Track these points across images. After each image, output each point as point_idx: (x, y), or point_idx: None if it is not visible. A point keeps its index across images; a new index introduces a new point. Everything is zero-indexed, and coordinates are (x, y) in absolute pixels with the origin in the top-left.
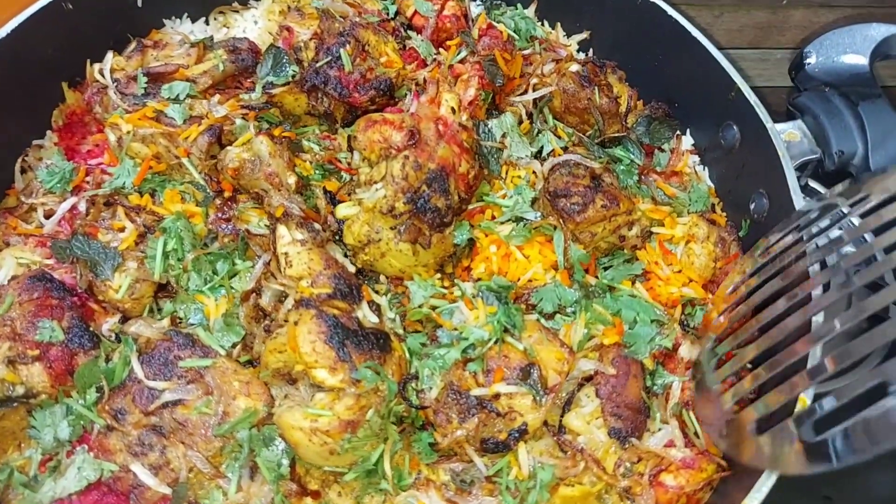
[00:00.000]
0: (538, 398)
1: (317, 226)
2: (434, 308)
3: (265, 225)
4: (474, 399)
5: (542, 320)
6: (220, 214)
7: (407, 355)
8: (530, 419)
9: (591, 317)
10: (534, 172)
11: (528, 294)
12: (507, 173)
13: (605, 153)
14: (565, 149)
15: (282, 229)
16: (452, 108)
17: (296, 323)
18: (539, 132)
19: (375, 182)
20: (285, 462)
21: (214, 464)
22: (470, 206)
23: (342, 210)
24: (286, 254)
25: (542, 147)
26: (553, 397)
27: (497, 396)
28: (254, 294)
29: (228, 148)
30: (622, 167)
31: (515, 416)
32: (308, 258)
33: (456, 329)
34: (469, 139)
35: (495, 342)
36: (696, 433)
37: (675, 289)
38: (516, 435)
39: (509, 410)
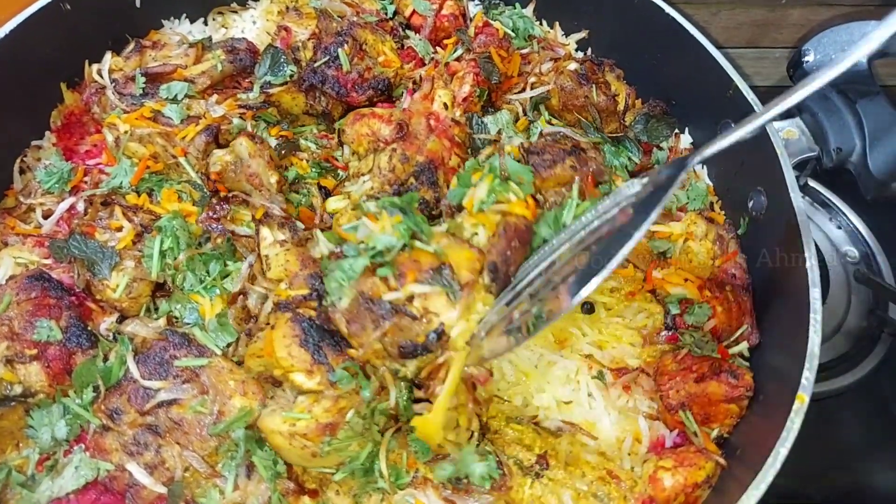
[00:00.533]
0: (452, 295)
1: (299, 225)
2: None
3: (254, 226)
4: (387, 304)
5: (450, 220)
6: (210, 214)
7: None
8: (446, 318)
9: (498, 185)
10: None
11: (444, 199)
12: None
13: (602, 136)
14: None
15: (264, 231)
16: (445, 104)
17: (272, 327)
18: (532, 122)
19: (363, 174)
20: (282, 460)
21: (210, 463)
22: None
23: (332, 203)
24: (267, 256)
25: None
26: (468, 295)
27: (411, 299)
28: (241, 296)
29: (215, 151)
30: (612, 149)
31: (431, 318)
32: (285, 259)
33: (362, 242)
34: (461, 134)
35: (403, 247)
36: (694, 432)
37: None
38: (434, 337)
39: (424, 312)
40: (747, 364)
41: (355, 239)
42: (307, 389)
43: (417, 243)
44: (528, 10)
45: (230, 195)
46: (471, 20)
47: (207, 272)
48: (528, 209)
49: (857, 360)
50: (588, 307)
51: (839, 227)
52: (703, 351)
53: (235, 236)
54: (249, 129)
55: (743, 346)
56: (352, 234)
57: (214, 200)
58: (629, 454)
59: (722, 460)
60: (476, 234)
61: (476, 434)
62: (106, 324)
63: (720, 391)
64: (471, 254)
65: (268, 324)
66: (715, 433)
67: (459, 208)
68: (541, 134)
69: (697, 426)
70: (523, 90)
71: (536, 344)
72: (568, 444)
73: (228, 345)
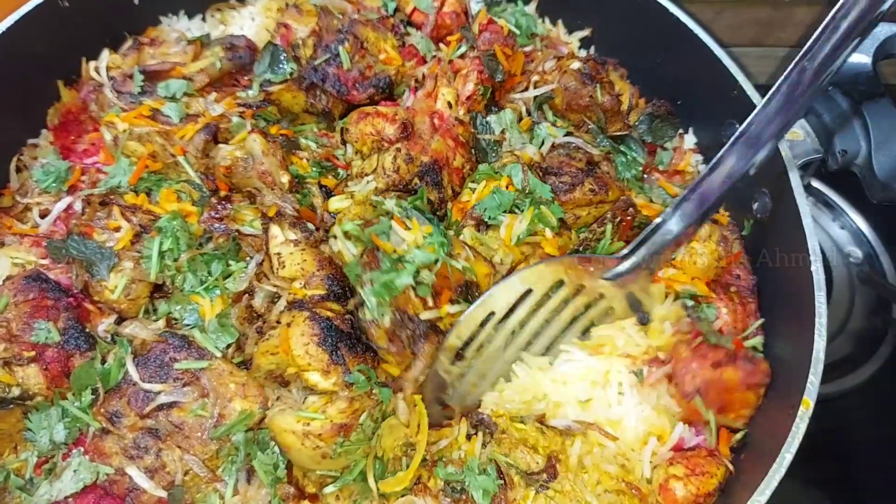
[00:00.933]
0: None
1: (310, 225)
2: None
3: (258, 224)
4: (425, 323)
5: (474, 233)
6: (213, 213)
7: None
8: None
9: (537, 214)
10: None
11: (472, 209)
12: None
13: (611, 144)
14: (569, 135)
15: (275, 229)
16: (449, 103)
17: (288, 325)
18: (536, 124)
19: (367, 174)
20: (282, 465)
21: (211, 467)
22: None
23: (334, 203)
24: (279, 254)
25: (542, 141)
26: None
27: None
28: (246, 295)
29: (221, 146)
30: (623, 160)
31: None
32: (301, 259)
33: (395, 252)
34: (465, 133)
35: (439, 263)
36: (707, 422)
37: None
38: None
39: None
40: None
41: (389, 247)
42: (322, 389)
43: (449, 259)
44: (531, 8)
45: (231, 194)
46: (473, 17)
47: (209, 273)
48: (558, 249)
49: (862, 361)
50: (645, 318)
51: (842, 228)
52: (718, 341)
53: (241, 235)
54: (249, 127)
55: (758, 340)
56: (384, 242)
57: (214, 199)
58: (652, 454)
59: (731, 466)
60: (502, 260)
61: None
62: (104, 325)
63: (736, 377)
64: (487, 268)
65: (279, 322)
66: (738, 437)
67: (487, 225)
68: (553, 146)
69: (713, 415)
70: (526, 89)
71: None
72: (581, 445)
73: (228, 346)
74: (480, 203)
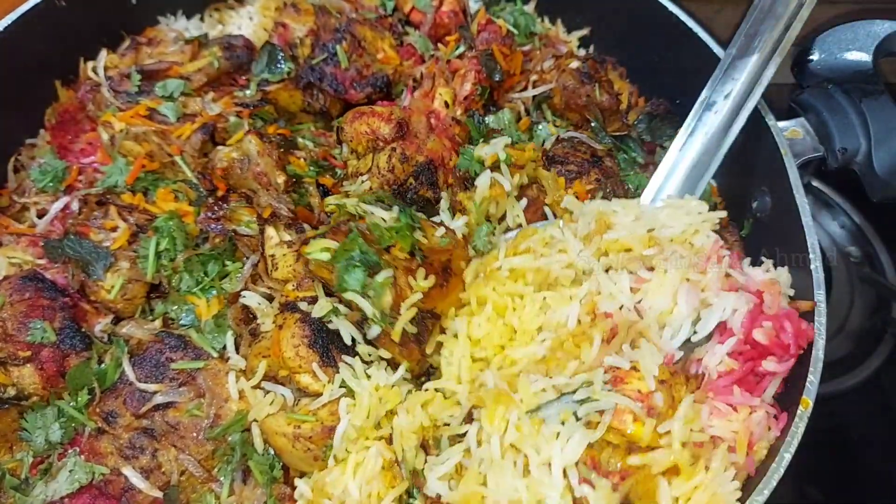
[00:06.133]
0: None
1: (306, 227)
2: None
3: (255, 225)
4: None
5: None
6: (209, 214)
7: None
8: None
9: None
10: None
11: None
12: None
13: (613, 141)
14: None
15: (270, 230)
16: (446, 102)
17: (280, 327)
18: (535, 123)
19: (361, 174)
20: (278, 465)
21: (206, 467)
22: None
23: (330, 202)
24: (273, 256)
25: (543, 141)
26: None
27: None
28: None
29: (218, 147)
30: (622, 159)
31: None
32: (293, 260)
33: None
34: (462, 134)
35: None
36: None
37: None
38: None
39: None
40: None
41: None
42: (314, 391)
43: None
44: (530, 7)
45: (228, 194)
46: (471, 17)
47: (205, 273)
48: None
49: (861, 360)
50: None
51: (842, 227)
52: None
53: (237, 236)
54: (247, 127)
55: None
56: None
57: (211, 200)
58: None
59: None
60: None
61: None
62: (100, 325)
63: None
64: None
65: (273, 324)
66: None
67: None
68: (557, 139)
69: None
70: (525, 88)
71: None
72: None
73: (224, 346)
74: (458, 164)
